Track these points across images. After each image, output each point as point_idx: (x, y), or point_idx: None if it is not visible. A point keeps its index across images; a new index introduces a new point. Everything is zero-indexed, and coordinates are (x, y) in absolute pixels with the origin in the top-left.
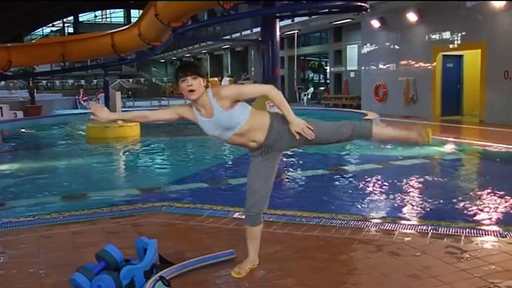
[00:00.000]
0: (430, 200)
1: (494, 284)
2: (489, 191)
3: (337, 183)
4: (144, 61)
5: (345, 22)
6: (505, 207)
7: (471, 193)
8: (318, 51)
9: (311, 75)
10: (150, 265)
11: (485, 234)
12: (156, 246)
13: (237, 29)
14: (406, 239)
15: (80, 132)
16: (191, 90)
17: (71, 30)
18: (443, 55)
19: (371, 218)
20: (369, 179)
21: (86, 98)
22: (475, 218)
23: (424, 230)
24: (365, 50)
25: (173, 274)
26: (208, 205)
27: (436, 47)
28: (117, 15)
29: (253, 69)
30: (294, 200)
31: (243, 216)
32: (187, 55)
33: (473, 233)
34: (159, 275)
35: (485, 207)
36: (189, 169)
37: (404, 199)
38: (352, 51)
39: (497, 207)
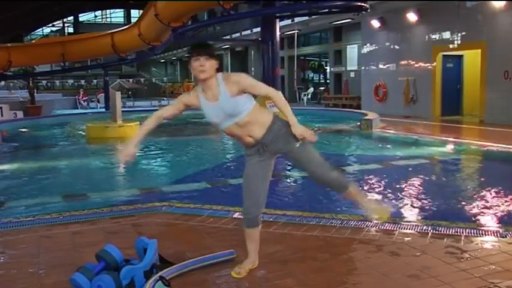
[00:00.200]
0: (430, 200)
1: (494, 284)
2: (489, 191)
3: None
4: (144, 61)
5: (345, 22)
6: (505, 207)
7: (471, 193)
8: (318, 51)
9: (311, 75)
10: (150, 265)
11: (485, 234)
12: (156, 246)
13: (237, 29)
14: (406, 239)
15: (80, 132)
16: (202, 70)
17: (71, 30)
18: (443, 55)
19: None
20: (369, 179)
21: (86, 98)
22: (475, 218)
23: (424, 230)
24: (365, 50)
25: (173, 274)
26: (208, 205)
27: (436, 47)
28: (117, 15)
29: (253, 69)
30: (294, 200)
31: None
32: (187, 55)
33: (473, 233)
34: (159, 275)
35: (485, 207)
36: (189, 169)
37: (404, 199)
38: (352, 51)
39: (497, 207)
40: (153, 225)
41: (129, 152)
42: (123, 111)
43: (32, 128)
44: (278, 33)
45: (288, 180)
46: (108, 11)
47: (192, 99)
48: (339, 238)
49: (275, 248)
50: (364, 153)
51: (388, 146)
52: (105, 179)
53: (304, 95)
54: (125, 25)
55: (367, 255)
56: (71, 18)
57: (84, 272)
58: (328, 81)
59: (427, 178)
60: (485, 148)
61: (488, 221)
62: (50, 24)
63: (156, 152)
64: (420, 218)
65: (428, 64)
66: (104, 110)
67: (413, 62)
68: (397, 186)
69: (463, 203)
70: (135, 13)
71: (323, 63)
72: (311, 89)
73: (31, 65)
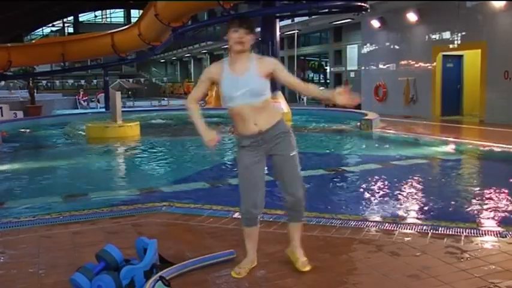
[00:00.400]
0: (430, 200)
1: (494, 284)
2: (489, 191)
3: (337, 183)
4: (144, 61)
5: (345, 22)
6: (505, 207)
7: (471, 193)
8: (318, 51)
9: (311, 75)
10: (150, 265)
11: (485, 234)
12: (156, 246)
13: None
14: (406, 239)
15: (80, 132)
16: (240, 42)
17: (71, 30)
18: (443, 55)
19: (371, 218)
20: (369, 179)
21: (86, 98)
22: (475, 218)
23: (424, 230)
24: (365, 50)
25: (173, 274)
26: (208, 205)
27: (436, 47)
28: (117, 15)
29: None
30: None
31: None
32: (187, 55)
33: (473, 233)
34: (159, 275)
35: (485, 207)
36: (189, 169)
37: (404, 199)
38: (352, 51)
39: (497, 207)
40: (153, 225)
41: (213, 137)
42: (123, 111)
43: (32, 128)
44: (278, 33)
45: None
46: (108, 11)
47: (215, 71)
48: (339, 238)
49: (275, 248)
50: (364, 153)
51: (388, 146)
52: (105, 179)
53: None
54: (125, 25)
55: (367, 255)
56: (71, 18)
57: (84, 272)
58: (328, 81)
59: (427, 178)
60: (485, 148)
61: (488, 221)
62: (50, 24)
63: (156, 152)
64: (420, 218)
65: (428, 64)
66: (104, 110)
67: (413, 62)
68: (397, 186)
69: (463, 203)
70: (135, 13)
71: (323, 63)
72: None
73: (31, 65)
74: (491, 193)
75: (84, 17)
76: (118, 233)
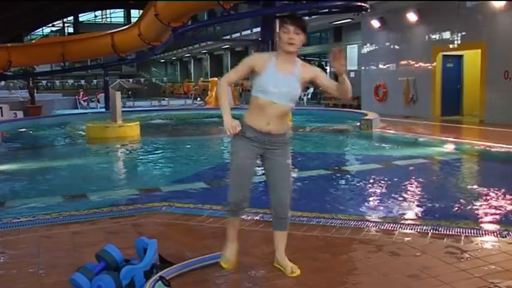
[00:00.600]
0: (430, 200)
1: (494, 284)
2: (489, 191)
3: (337, 183)
4: (144, 61)
5: (345, 22)
6: (505, 207)
7: (471, 193)
8: (318, 51)
9: None
10: (150, 265)
11: (485, 234)
12: (156, 246)
13: (237, 29)
14: (406, 239)
15: (80, 132)
16: (291, 43)
17: (71, 30)
18: (443, 55)
19: (371, 218)
20: (369, 179)
21: (86, 98)
22: (475, 218)
23: (424, 230)
24: (365, 50)
25: (173, 274)
26: (208, 205)
27: (436, 47)
28: (117, 15)
29: None
30: (294, 200)
31: (243, 216)
32: (187, 55)
33: (473, 233)
34: (159, 275)
35: (485, 207)
36: (189, 169)
37: (404, 199)
38: (352, 51)
39: (497, 207)
40: (153, 225)
41: (234, 124)
42: (123, 111)
43: (32, 128)
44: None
45: None
46: (108, 11)
47: (261, 59)
48: (339, 238)
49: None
50: (364, 153)
51: (388, 146)
52: (105, 179)
53: (304, 95)
54: (125, 25)
55: (367, 255)
56: (71, 18)
57: (84, 272)
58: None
59: (427, 178)
60: (485, 148)
61: (488, 221)
62: (50, 24)
63: (156, 152)
64: (420, 218)
65: (428, 64)
66: (104, 110)
67: (413, 62)
68: (397, 186)
69: (463, 203)
70: (135, 13)
71: (323, 63)
72: (311, 89)
73: (31, 65)
74: (491, 193)
75: (84, 17)
76: (118, 233)
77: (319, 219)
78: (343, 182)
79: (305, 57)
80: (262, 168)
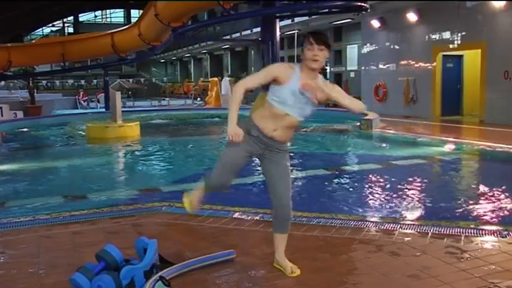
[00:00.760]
0: (430, 200)
1: (494, 284)
2: (489, 191)
3: (337, 183)
4: (144, 61)
5: (345, 22)
6: (505, 207)
7: (471, 193)
8: None
9: None
10: (150, 265)
11: (485, 234)
12: (156, 246)
13: (237, 29)
14: (406, 239)
15: (80, 132)
16: (316, 60)
17: (71, 30)
18: (443, 55)
19: (371, 218)
20: (369, 179)
21: (86, 98)
22: (475, 218)
23: (424, 230)
24: (365, 50)
25: (173, 274)
26: (208, 205)
27: (436, 47)
28: (117, 15)
29: (253, 69)
30: (294, 200)
31: (243, 216)
32: (187, 55)
33: (473, 233)
34: (159, 275)
35: (485, 207)
36: (189, 169)
37: (404, 199)
38: (352, 51)
39: (497, 207)
40: (153, 225)
41: (238, 133)
42: (123, 111)
43: (32, 128)
44: (278, 33)
45: None
46: (108, 11)
47: (286, 72)
48: (339, 238)
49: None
50: (364, 153)
51: (388, 146)
52: (105, 179)
53: None
54: (125, 25)
55: (367, 255)
56: (71, 18)
57: (84, 272)
58: (328, 81)
59: (427, 178)
60: (485, 148)
61: (488, 221)
62: (50, 24)
63: (156, 152)
64: (420, 218)
65: (428, 64)
66: (104, 110)
67: (413, 62)
68: (397, 186)
69: (463, 203)
70: (135, 13)
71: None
72: None
73: (31, 65)
74: (491, 193)
75: (84, 17)
76: (118, 233)
77: (319, 219)
78: (343, 182)
79: None
80: (261, 169)
